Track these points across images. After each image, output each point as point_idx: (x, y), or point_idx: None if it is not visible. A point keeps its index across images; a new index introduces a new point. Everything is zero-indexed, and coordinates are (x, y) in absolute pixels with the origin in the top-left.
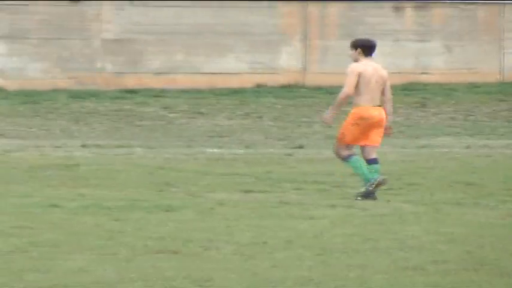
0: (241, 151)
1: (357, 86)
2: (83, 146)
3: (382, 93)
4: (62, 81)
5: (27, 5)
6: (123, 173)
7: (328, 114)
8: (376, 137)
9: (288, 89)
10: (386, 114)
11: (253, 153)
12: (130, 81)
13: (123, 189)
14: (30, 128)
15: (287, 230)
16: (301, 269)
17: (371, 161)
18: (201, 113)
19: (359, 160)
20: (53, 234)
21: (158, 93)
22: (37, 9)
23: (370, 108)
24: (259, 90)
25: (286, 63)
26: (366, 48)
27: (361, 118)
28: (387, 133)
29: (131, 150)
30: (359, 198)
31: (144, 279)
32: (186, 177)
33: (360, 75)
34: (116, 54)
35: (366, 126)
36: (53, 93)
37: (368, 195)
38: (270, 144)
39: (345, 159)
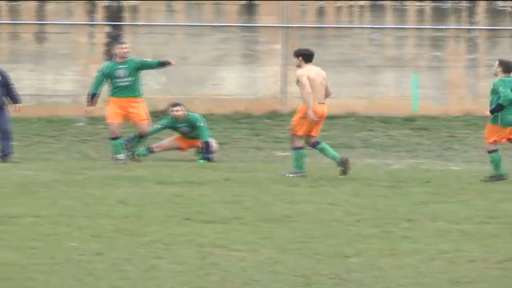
0: None
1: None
2: None
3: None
4: None
5: None
6: None
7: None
8: (318, 129)
9: None
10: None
11: None
12: None
13: None
14: None
15: None
16: None
17: (315, 144)
18: None
19: (304, 155)
20: None
21: None
22: None
23: (316, 105)
24: None
25: None
26: (306, 56)
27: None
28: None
29: None
30: (288, 175)
31: None
32: None
33: (308, 79)
34: None
35: (313, 120)
36: None
37: (284, 176)
38: None
39: (296, 148)
